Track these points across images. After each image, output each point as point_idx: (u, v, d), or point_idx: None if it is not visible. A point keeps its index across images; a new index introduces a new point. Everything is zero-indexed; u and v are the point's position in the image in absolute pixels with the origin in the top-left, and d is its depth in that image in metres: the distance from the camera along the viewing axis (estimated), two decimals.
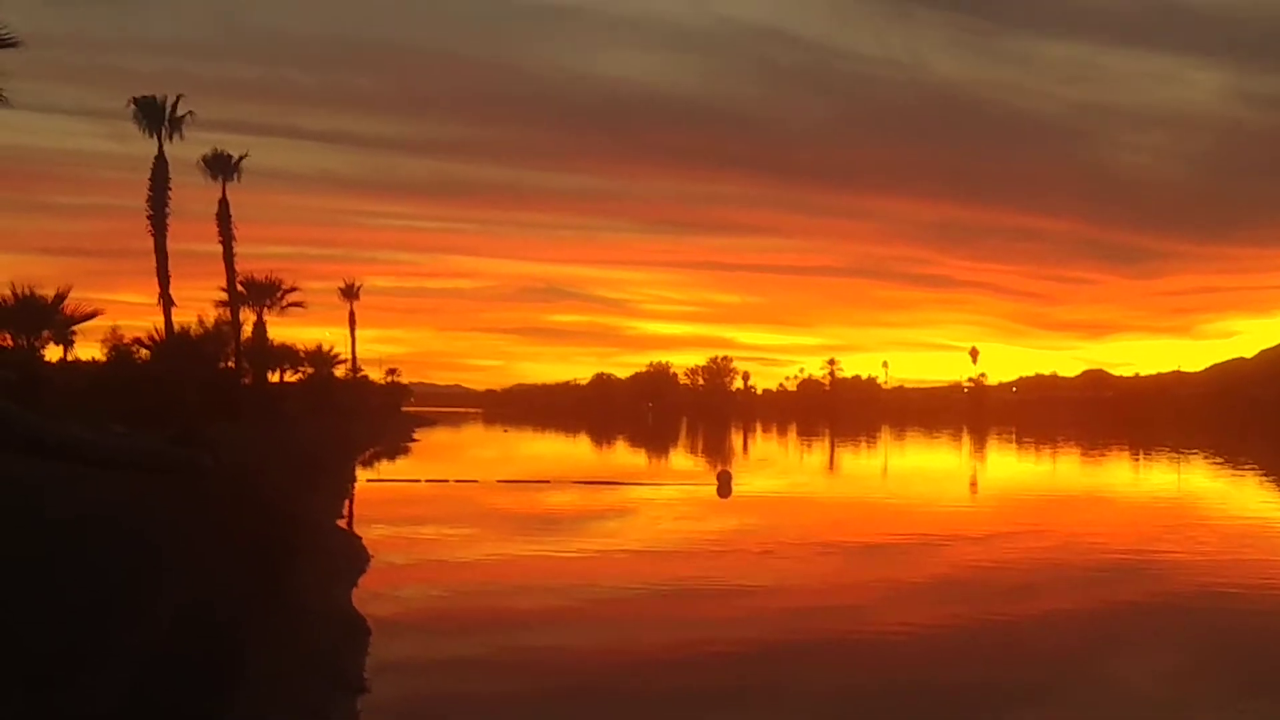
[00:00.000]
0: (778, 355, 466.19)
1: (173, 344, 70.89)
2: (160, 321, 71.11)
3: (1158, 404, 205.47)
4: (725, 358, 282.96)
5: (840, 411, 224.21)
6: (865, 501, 47.23)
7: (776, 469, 69.39)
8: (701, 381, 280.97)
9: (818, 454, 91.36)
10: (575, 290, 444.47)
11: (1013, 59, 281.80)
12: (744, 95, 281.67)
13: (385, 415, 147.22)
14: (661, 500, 44.71)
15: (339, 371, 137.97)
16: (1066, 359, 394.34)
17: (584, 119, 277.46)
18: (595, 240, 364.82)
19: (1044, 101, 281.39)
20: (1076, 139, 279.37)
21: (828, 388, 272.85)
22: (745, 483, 52.03)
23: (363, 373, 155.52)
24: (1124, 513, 42.35)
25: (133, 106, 69.70)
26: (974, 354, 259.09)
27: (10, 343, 59.90)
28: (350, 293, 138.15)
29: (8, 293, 58.57)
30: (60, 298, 60.21)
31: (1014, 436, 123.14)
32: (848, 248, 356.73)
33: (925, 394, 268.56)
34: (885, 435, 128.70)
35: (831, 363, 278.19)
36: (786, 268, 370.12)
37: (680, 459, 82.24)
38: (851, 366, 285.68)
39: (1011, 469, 72.68)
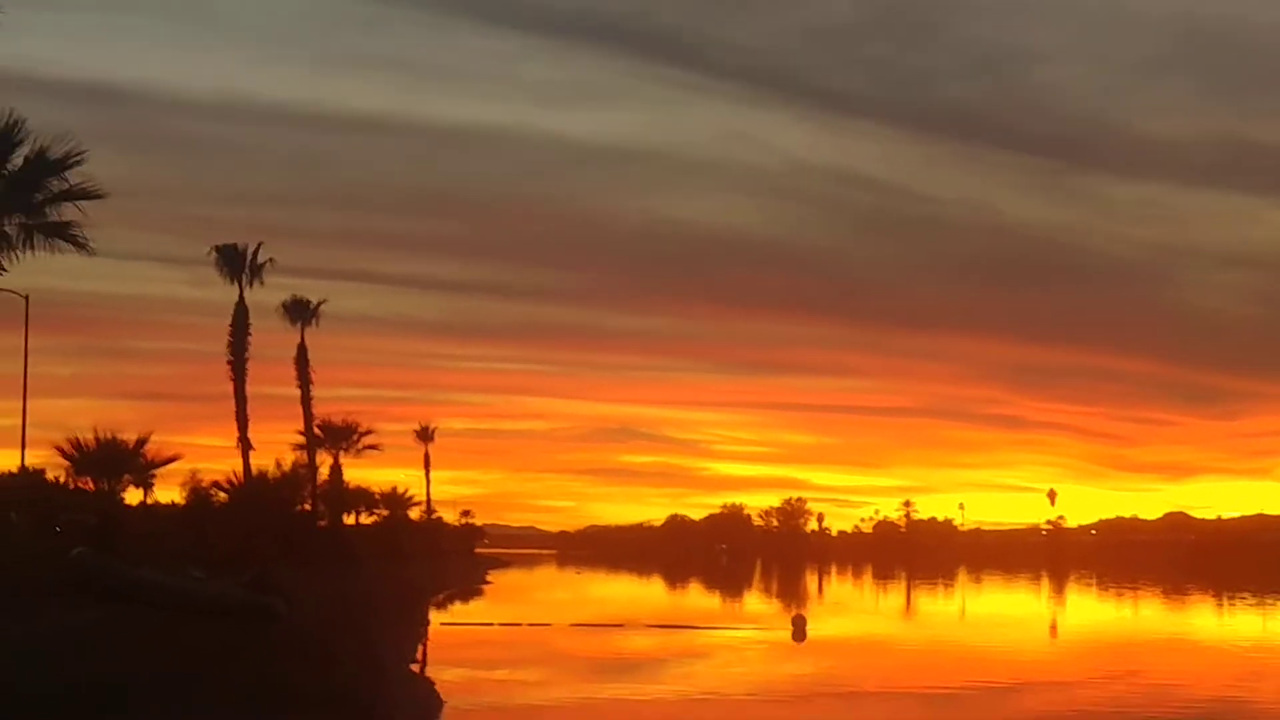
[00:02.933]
0: (852, 496, 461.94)
1: (250, 487, 71.48)
2: (238, 465, 71.80)
3: (1241, 547, 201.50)
4: (799, 499, 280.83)
5: (916, 553, 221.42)
6: (943, 646, 46.59)
7: (852, 612, 68.66)
8: (775, 523, 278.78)
9: (894, 597, 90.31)
10: (648, 431, 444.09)
11: (1085, 199, 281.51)
12: (816, 237, 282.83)
13: (459, 557, 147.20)
14: (736, 644, 44.31)
15: (413, 514, 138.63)
16: (1146, 501, 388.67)
17: (657, 261, 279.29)
18: (668, 381, 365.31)
19: (1117, 242, 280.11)
20: (1152, 279, 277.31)
21: (903, 529, 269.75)
22: (821, 627, 51.48)
23: (437, 515, 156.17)
24: (1210, 659, 41.54)
25: (215, 254, 71.09)
26: (1052, 496, 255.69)
27: (92, 487, 60.73)
28: (425, 435, 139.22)
29: (90, 437, 59.50)
30: (141, 442, 61.11)
31: (1095, 580, 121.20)
32: (922, 388, 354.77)
33: (1002, 536, 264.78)
34: (962, 578, 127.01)
35: (907, 504, 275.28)
36: (861, 408, 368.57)
37: (755, 602, 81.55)
38: (927, 508, 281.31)
39: (1093, 613, 71.51)
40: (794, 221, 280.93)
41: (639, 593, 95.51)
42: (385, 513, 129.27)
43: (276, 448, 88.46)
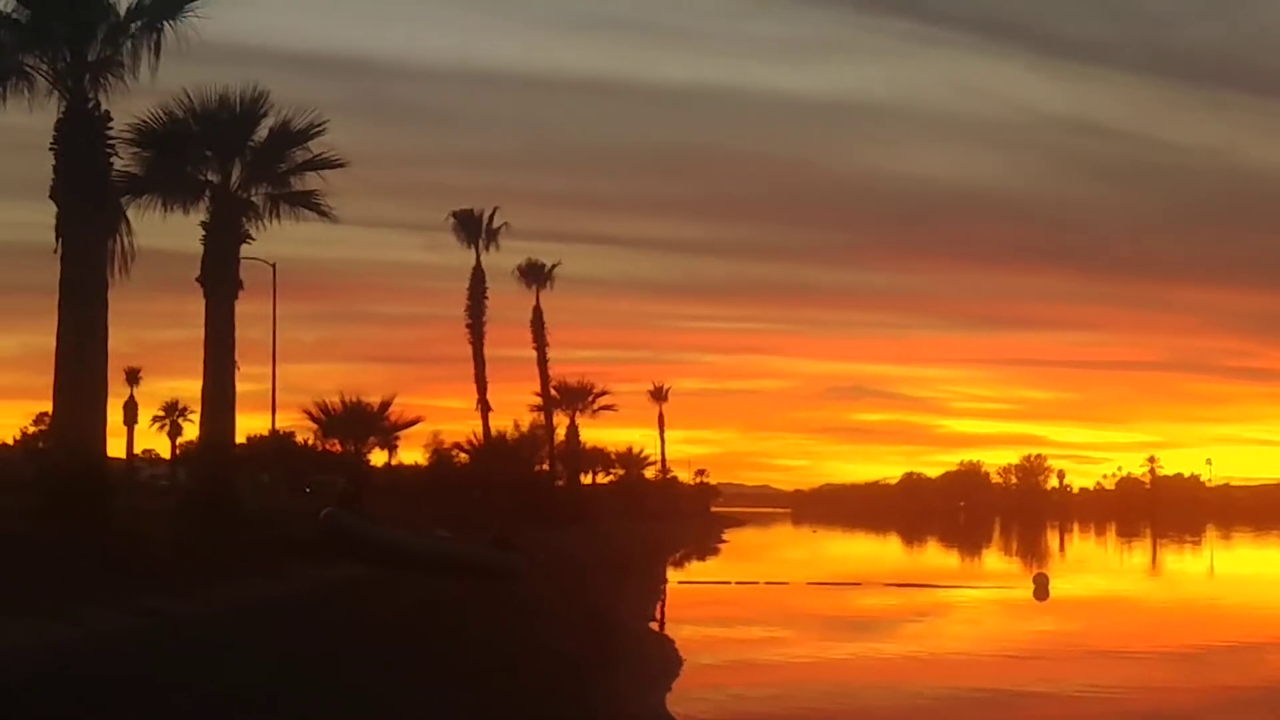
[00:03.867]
0: (1093, 453, 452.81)
1: (490, 448, 72.91)
2: (478, 426, 73.32)
3: None
4: (1039, 456, 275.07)
5: (1161, 511, 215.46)
6: (1191, 605, 45.32)
7: (1096, 571, 67.18)
8: (1014, 480, 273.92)
9: (1139, 555, 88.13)
10: (882, 389, 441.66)
11: None
12: (1051, 188, 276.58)
13: (694, 516, 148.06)
14: (976, 603, 43.74)
15: (649, 473, 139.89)
16: None
17: (888, 216, 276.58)
18: (902, 338, 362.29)
19: None
20: None
21: (1147, 486, 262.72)
22: (1063, 585, 50.48)
23: (672, 474, 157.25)
24: None
25: (452, 219, 72.53)
26: None
27: (339, 449, 62.62)
28: (659, 395, 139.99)
29: (336, 401, 61.32)
30: (385, 405, 62.75)
31: None
32: (1164, 341, 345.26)
33: (1253, 492, 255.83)
34: (1210, 535, 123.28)
35: (1151, 460, 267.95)
36: (1100, 363, 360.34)
37: (994, 561, 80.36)
38: (1172, 464, 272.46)
39: None
40: (1028, 172, 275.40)
41: (875, 551, 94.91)
42: (621, 472, 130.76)
43: (514, 409, 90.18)
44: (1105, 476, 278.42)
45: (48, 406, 32.80)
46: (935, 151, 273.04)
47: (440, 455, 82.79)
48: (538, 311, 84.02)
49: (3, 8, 30.38)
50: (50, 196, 30.58)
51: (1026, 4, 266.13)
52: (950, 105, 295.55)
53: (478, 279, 72.86)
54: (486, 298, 73.09)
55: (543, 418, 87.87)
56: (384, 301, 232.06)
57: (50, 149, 30.66)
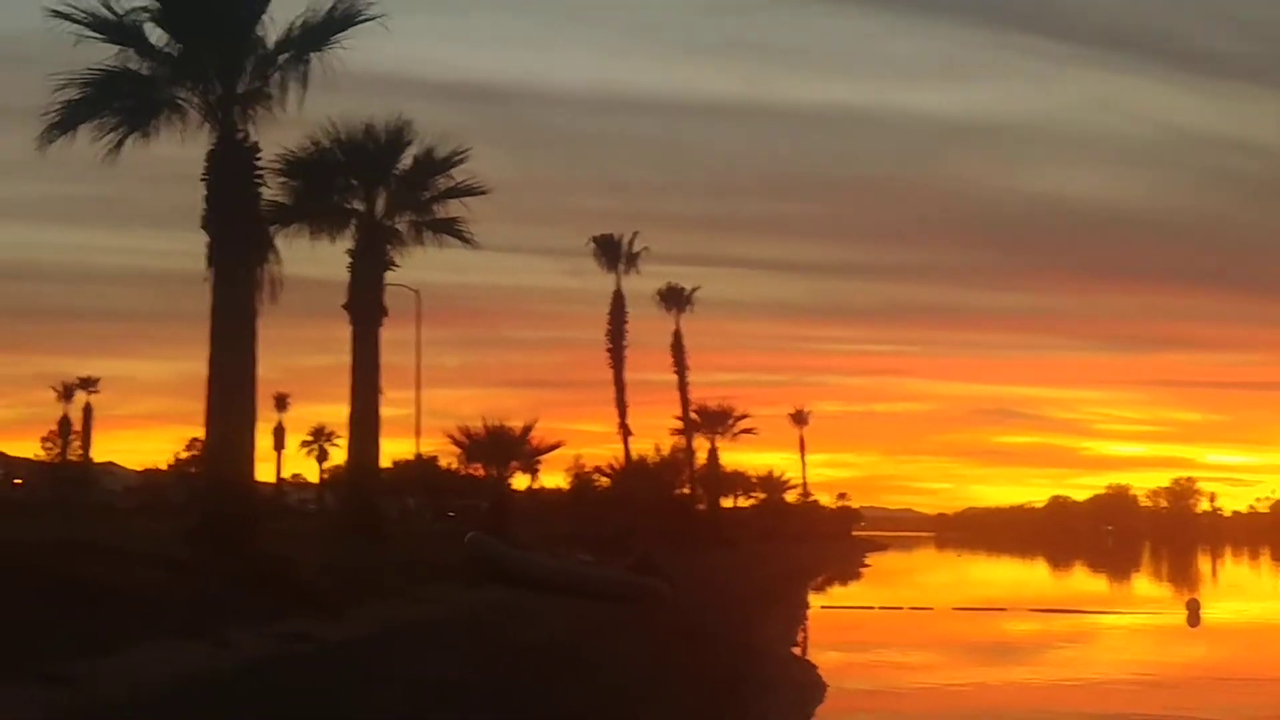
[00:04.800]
0: (1245, 475, 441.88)
1: (631, 472, 73.13)
2: (619, 450, 73.62)
3: None
4: (1189, 479, 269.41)
5: None
6: None
7: (1251, 596, 65.54)
8: (1164, 504, 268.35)
9: None
10: (1026, 411, 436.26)
11: None
12: (1197, 207, 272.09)
13: (836, 540, 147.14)
14: (1125, 629, 42.91)
15: (790, 496, 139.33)
16: None
17: (1031, 237, 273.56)
18: (1046, 360, 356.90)
19: None
20: None
21: None
22: (1217, 611, 49.32)
23: (813, 498, 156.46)
24: None
25: (592, 244, 73.05)
26: None
27: (482, 473, 63.21)
28: (800, 418, 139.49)
29: (479, 426, 61.87)
30: (527, 430, 63.15)
31: None
32: None
33: None
34: None
35: None
36: (1252, 383, 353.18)
37: (1144, 586, 78.77)
38: None
39: None
40: (1175, 191, 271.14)
41: (1021, 575, 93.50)
42: (762, 496, 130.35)
43: (655, 432, 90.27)
44: (1259, 500, 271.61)
45: (200, 432, 33.52)
46: (1078, 171, 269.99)
47: (582, 479, 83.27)
48: (678, 335, 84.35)
49: (156, 42, 31.16)
50: (202, 226, 31.24)
51: (1170, 21, 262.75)
52: (1093, 124, 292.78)
53: (618, 304, 73.26)
54: (627, 322, 73.49)
55: (683, 441, 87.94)
56: (525, 326, 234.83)
57: (201, 179, 31.33)
